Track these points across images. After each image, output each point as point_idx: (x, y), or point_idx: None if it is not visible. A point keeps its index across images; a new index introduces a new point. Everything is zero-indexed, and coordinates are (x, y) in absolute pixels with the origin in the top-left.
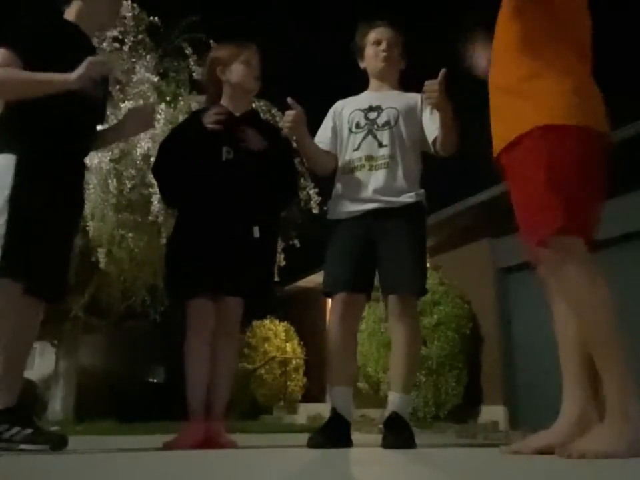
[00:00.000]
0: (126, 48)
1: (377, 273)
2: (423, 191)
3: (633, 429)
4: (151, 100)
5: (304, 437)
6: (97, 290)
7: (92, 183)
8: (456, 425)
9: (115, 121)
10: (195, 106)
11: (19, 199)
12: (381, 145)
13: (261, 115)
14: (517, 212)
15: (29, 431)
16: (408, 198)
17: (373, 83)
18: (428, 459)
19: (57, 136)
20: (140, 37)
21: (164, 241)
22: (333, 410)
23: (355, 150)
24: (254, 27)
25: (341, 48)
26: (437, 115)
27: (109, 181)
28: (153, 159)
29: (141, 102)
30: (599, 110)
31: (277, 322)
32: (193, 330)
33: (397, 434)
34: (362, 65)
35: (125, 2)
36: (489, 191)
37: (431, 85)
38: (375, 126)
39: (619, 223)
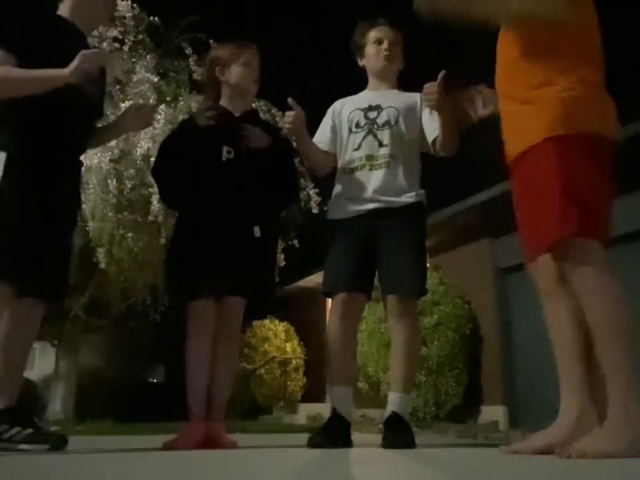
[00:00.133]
0: (126, 48)
1: (376, 272)
2: (423, 191)
3: (633, 429)
4: (151, 100)
5: (304, 437)
6: (97, 290)
7: (92, 182)
8: (456, 425)
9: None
10: (194, 106)
11: (7, 197)
12: (381, 145)
13: (261, 114)
14: (525, 218)
15: (29, 431)
16: (408, 198)
17: (372, 82)
18: (428, 459)
19: (50, 133)
20: (140, 37)
21: (164, 241)
22: (333, 410)
23: (355, 150)
24: (254, 26)
25: (341, 48)
26: (436, 115)
27: (109, 181)
28: (152, 159)
29: (141, 102)
30: (609, 117)
31: (277, 322)
32: (194, 330)
33: (397, 434)
34: (361, 63)
35: (125, 2)
36: (488, 190)
37: (430, 87)
38: (375, 125)
39: (619, 222)
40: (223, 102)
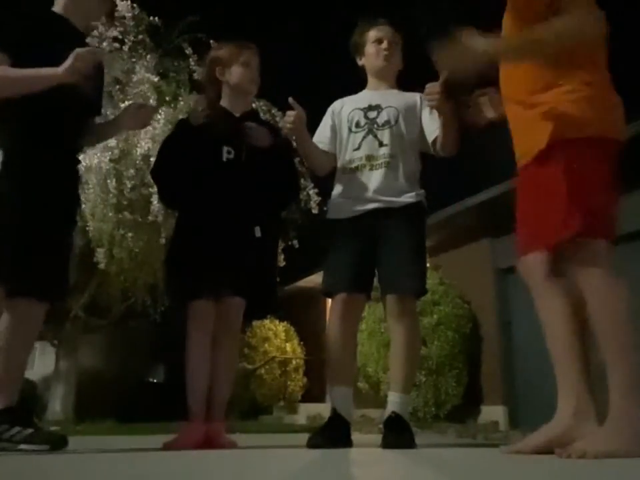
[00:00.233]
0: (126, 48)
1: (376, 272)
2: (422, 190)
3: (633, 429)
4: (151, 100)
5: (304, 437)
6: (97, 290)
7: (92, 182)
8: (456, 425)
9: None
10: (194, 106)
11: (2, 196)
12: (381, 145)
13: (261, 114)
14: (528, 216)
15: (29, 431)
16: (408, 198)
17: (372, 81)
18: (428, 459)
19: (46, 130)
20: (140, 37)
21: (164, 241)
22: (333, 410)
23: (355, 149)
24: (254, 26)
25: (341, 47)
26: (436, 114)
27: (109, 181)
28: (152, 159)
29: (142, 101)
30: (616, 117)
31: (277, 322)
32: (194, 331)
33: (397, 434)
34: (360, 62)
35: (125, 2)
36: (488, 190)
37: (432, 88)
38: (375, 125)
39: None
40: (223, 102)
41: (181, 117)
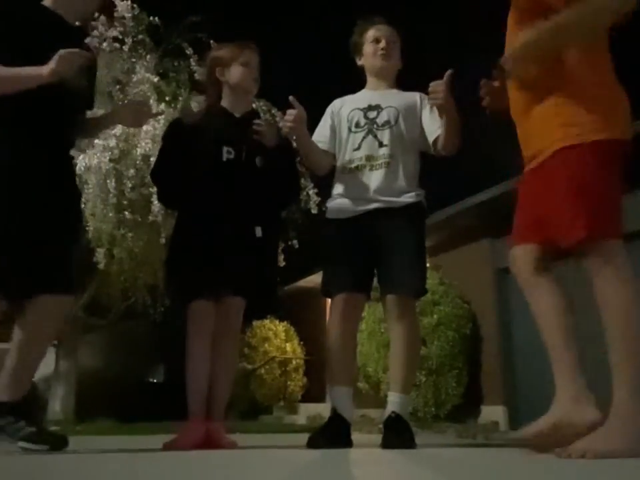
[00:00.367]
0: (126, 48)
1: (376, 272)
2: (422, 190)
3: (634, 429)
4: (152, 100)
5: (304, 437)
6: (97, 290)
7: (92, 182)
8: (456, 425)
9: None
10: (195, 106)
11: None
12: (381, 145)
13: (261, 115)
14: (531, 213)
15: (32, 429)
16: (408, 198)
17: (371, 81)
18: (428, 459)
19: (36, 125)
20: (140, 37)
21: (164, 240)
22: (333, 410)
23: (355, 149)
24: (254, 25)
25: (341, 47)
26: (436, 114)
27: (109, 181)
28: (152, 159)
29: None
30: (624, 118)
31: (277, 322)
32: (194, 331)
33: (397, 434)
34: (360, 62)
35: (125, 2)
36: (489, 190)
37: (437, 86)
38: (375, 125)
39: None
40: (224, 102)
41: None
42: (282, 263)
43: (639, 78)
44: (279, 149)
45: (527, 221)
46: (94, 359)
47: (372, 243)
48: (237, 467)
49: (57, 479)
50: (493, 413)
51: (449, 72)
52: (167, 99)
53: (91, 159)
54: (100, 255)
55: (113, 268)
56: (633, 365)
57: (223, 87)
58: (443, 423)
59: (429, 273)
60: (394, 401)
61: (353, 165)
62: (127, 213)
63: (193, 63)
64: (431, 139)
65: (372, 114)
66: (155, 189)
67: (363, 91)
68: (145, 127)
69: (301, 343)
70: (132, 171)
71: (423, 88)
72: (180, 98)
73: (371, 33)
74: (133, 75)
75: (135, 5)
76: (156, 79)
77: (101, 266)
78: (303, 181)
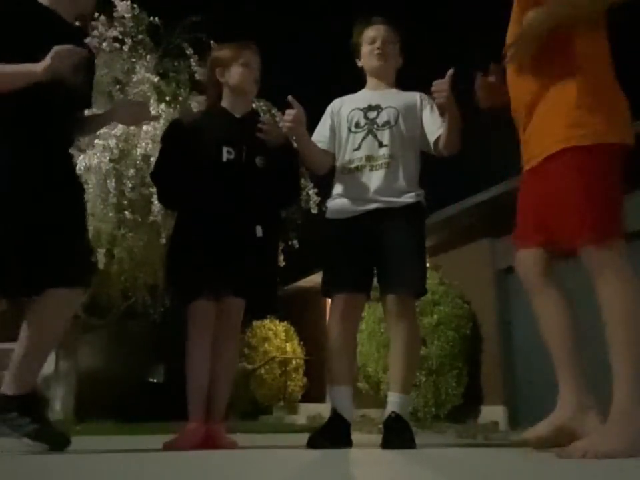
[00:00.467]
0: (126, 48)
1: (376, 272)
2: (422, 191)
3: (634, 429)
4: (152, 100)
5: (304, 437)
6: (97, 290)
7: (92, 182)
8: (456, 425)
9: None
10: (195, 106)
11: None
12: (381, 145)
13: (261, 115)
14: (533, 215)
15: (35, 426)
16: (408, 198)
17: (371, 81)
18: (428, 459)
19: (33, 124)
20: (140, 37)
21: (164, 240)
22: (333, 410)
23: (355, 150)
24: (254, 25)
25: (341, 47)
26: (437, 113)
27: (109, 181)
28: (152, 159)
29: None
30: (626, 123)
31: (277, 322)
32: (194, 331)
33: (397, 434)
34: (359, 63)
35: (125, 2)
36: (488, 191)
37: (440, 84)
38: (375, 125)
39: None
40: (224, 103)
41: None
42: (282, 263)
43: (639, 78)
44: (280, 149)
45: (529, 222)
46: (94, 359)
47: (372, 243)
48: (236, 466)
49: (57, 478)
50: (492, 412)
51: (450, 71)
52: (167, 99)
53: (90, 159)
54: (100, 254)
55: (113, 268)
56: (633, 365)
57: (223, 88)
58: (442, 423)
59: (429, 273)
60: (394, 401)
61: (352, 165)
62: (127, 212)
63: (193, 63)
64: (432, 138)
65: (372, 114)
66: (155, 189)
67: (363, 90)
68: (145, 127)
69: (301, 343)
70: (132, 171)
71: (423, 88)
72: (180, 98)
73: (367, 34)
74: (133, 75)
75: (135, 5)
76: (156, 79)
77: (101, 266)
78: (303, 181)
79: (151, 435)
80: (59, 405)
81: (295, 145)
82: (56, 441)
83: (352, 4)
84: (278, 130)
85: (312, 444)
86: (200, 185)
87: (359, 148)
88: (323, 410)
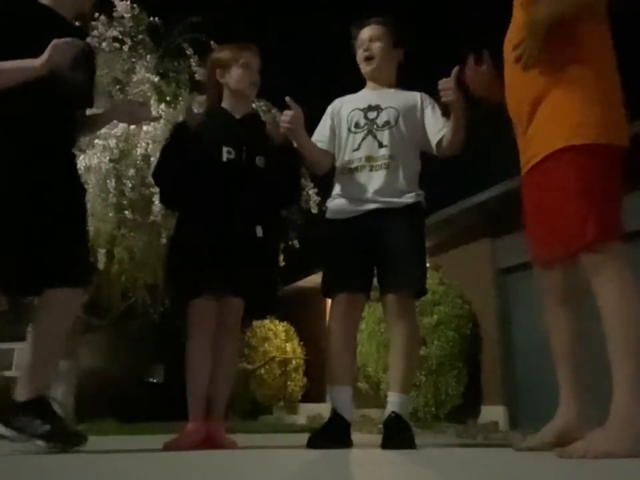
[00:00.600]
0: (126, 48)
1: (375, 272)
2: (422, 191)
3: (634, 429)
4: (152, 100)
5: (304, 437)
6: (97, 290)
7: (92, 182)
8: (456, 425)
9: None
10: (195, 106)
11: None
12: (381, 145)
13: (261, 115)
14: (543, 219)
15: (47, 427)
16: (408, 198)
17: (370, 82)
18: (428, 459)
19: (35, 122)
20: (140, 37)
21: (164, 241)
22: (333, 410)
23: (354, 150)
24: (254, 26)
25: (341, 47)
26: (439, 114)
27: (109, 181)
28: (153, 159)
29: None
30: (624, 125)
31: (277, 322)
32: (194, 330)
33: (397, 434)
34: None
35: (125, 2)
36: (488, 191)
37: (447, 83)
38: (375, 126)
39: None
40: (224, 103)
41: (181, 117)
42: (282, 263)
43: (639, 78)
44: (281, 149)
45: (539, 233)
46: (94, 359)
47: (372, 243)
48: (237, 466)
49: (56, 479)
50: (492, 413)
51: (455, 69)
52: (167, 99)
53: (91, 159)
54: (100, 254)
55: (113, 268)
56: (633, 365)
57: (223, 89)
58: (443, 423)
59: (429, 273)
60: (394, 401)
61: (352, 166)
62: (127, 212)
63: (194, 63)
64: (435, 139)
65: (372, 114)
66: (155, 189)
67: (363, 90)
68: (145, 128)
69: (301, 343)
70: (132, 171)
71: (423, 87)
72: (180, 98)
73: (359, 38)
74: (133, 75)
75: (134, 5)
76: (156, 79)
77: (101, 266)
78: (303, 181)
79: (151, 434)
80: (58, 405)
81: (295, 145)
82: (70, 439)
83: (352, 4)
84: (279, 129)
85: (312, 444)
86: (200, 185)
87: (358, 148)
88: (323, 410)
